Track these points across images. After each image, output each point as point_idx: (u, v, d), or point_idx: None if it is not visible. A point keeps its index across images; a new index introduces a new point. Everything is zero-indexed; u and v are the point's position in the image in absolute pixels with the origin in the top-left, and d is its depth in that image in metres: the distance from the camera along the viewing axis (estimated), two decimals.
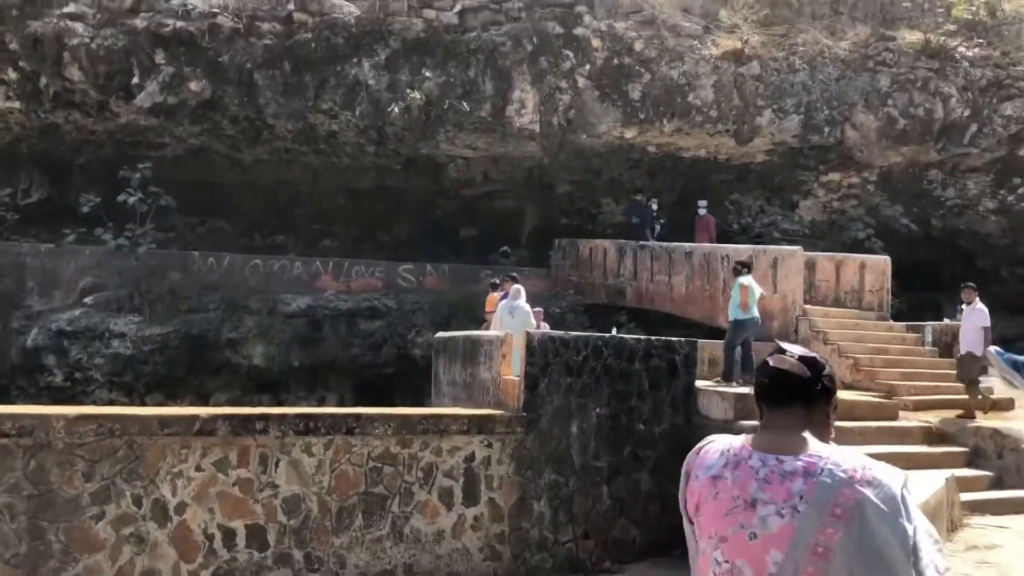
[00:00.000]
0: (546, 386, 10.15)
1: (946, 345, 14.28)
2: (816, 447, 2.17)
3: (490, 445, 9.84)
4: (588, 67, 18.35)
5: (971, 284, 11.98)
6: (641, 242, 17.49)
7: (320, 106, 18.21)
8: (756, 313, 11.98)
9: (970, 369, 11.36)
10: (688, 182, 20.38)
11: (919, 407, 11.37)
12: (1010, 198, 19.64)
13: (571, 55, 18.27)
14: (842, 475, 2.08)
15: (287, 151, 21.04)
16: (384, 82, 17.59)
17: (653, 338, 11.00)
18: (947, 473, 8.55)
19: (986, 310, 11.56)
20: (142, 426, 8.35)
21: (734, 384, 11.57)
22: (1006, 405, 12.11)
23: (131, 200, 16.96)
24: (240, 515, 8.67)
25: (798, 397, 2.23)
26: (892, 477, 2.11)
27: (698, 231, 18.13)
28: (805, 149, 19.46)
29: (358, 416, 9.32)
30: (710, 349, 12.81)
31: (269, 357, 17.36)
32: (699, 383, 10.83)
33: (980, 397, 11.20)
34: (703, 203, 18.57)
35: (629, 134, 18.77)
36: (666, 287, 16.40)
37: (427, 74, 17.47)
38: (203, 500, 8.56)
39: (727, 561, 2.16)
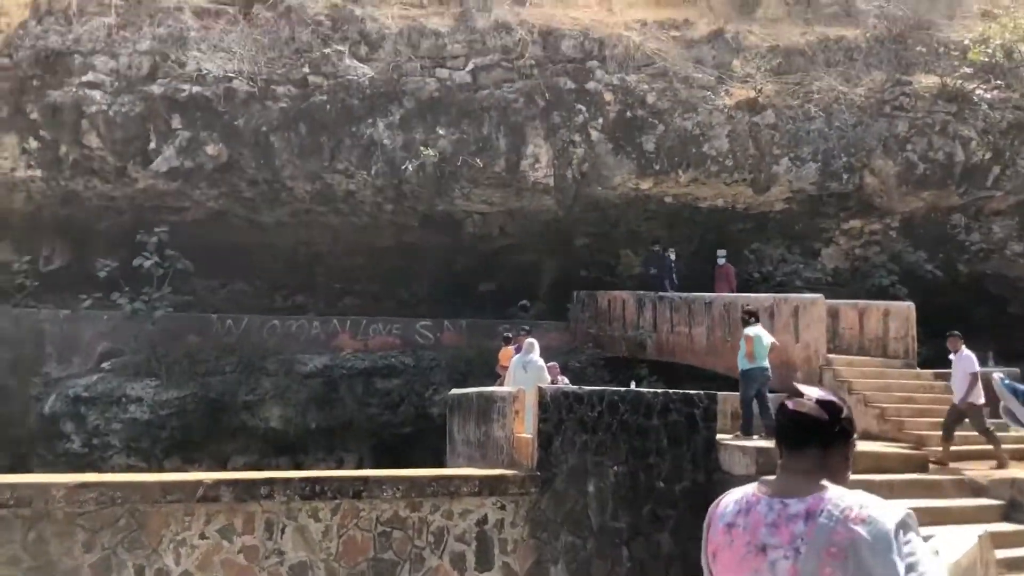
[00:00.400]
0: (560, 444, 9.88)
1: None
2: (821, 488, 2.23)
3: (503, 507, 9.57)
4: (601, 120, 18.32)
5: (955, 332, 11.77)
6: (660, 293, 17.25)
7: (336, 166, 18.29)
8: (766, 363, 11.71)
9: (978, 418, 10.98)
10: (706, 232, 20.17)
11: (948, 458, 10.92)
12: None
13: (584, 109, 18.27)
14: (839, 515, 2.15)
15: (306, 212, 21.12)
16: (399, 141, 17.65)
17: (671, 391, 10.72)
18: (980, 529, 8.12)
19: (973, 356, 11.33)
20: (144, 493, 8.19)
21: (754, 437, 11.24)
22: None
23: (147, 264, 17.01)
24: None
25: (815, 439, 2.29)
26: (886, 514, 2.16)
27: (718, 281, 17.87)
28: (824, 196, 19.22)
29: (365, 479, 9.10)
30: (731, 401, 12.47)
31: (286, 419, 17.18)
32: (720, 437, 10.49)
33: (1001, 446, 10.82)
34: (722, 252, 18.33)
35: (644, 185, 18.65)
36: (687, 339, 16.10)
37: (441, 132, 17.51)
38: (207, 569, 8.34)
39: None
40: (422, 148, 16.76)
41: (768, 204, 19.55)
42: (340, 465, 18.40)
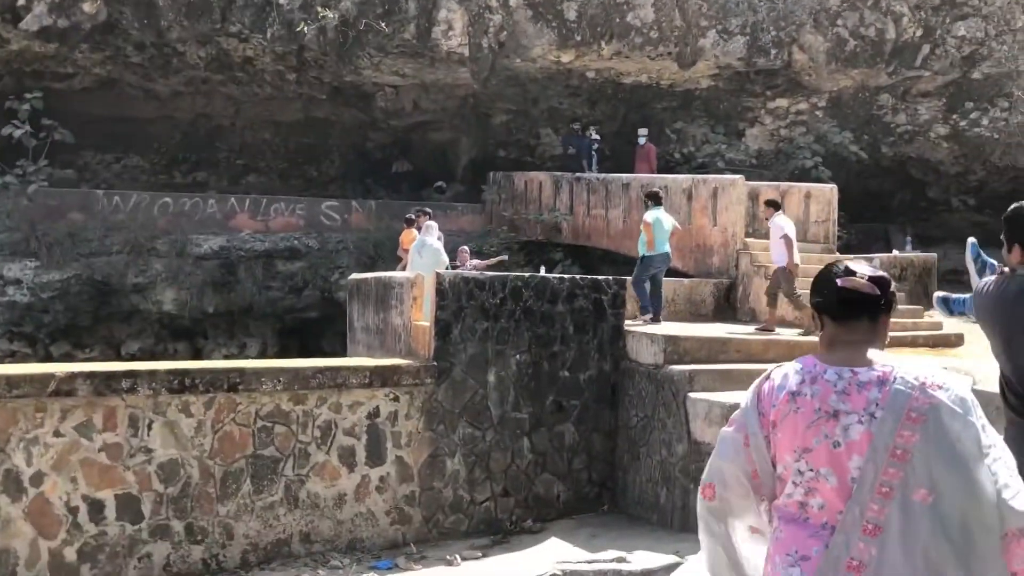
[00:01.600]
0: (459, 332, 9.18)
1: (895, 278, 13.55)
2: (883, 359, 2.30)
3: (396, 399, 8.91)
4: None
5: (771, 200, 11.41)
6: (577, 174, 16.46)
7: (229, 28, 16.74)
8: (666, 248, 11.11)
9: (784, 283, 10.65)
10: (630, 110, 19.32)
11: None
12: (962, 123, 18.89)
13: None
14: (915, 381, 2.22)
15: (204, 81, 19.57)
16: (297, 1, 16.10)
17: (577, 277, 10.08)
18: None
19: (781, 222, 10.89)
20: None
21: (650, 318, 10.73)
22: (955, 341, 11.44)
23: (17, 133, 15.42)
24: (109, 484, 7.69)
25: (866, 312, 2.36)
26: (959, 382, 2.28)
27: (638, 161, 17.14)
28: (751, 74, 18.44)
29: (242, 371, 8.30)
30: None
31: (181, 303, 16.18)
32: (628, 324, 9.92)
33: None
34: (643, 131, 17.55)
35: (565, 58, 17.56)
36: (603, 222, 15.43)
37: None
38: (64, 469, 7.54)
39: (812, 470, 2.25)
40: (319, 9, 15.27)
41: (693, 81, 18.70)
42: (243, 350, 17.59)
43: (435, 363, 9.04)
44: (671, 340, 9.17)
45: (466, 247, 13.58)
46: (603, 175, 16.11)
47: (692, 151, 17.81)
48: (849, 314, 2.35)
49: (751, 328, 11.24)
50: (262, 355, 17.34)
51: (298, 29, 15.67)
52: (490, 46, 17.08)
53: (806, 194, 13.68)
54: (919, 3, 18.08)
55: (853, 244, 18.19)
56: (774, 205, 11.20)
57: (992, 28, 18.18)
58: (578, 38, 17.16)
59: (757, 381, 2.47)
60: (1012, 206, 3.54)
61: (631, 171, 16.69)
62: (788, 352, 9.62)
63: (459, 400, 9.15)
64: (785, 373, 2.38)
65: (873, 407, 2.21)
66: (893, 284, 2.42)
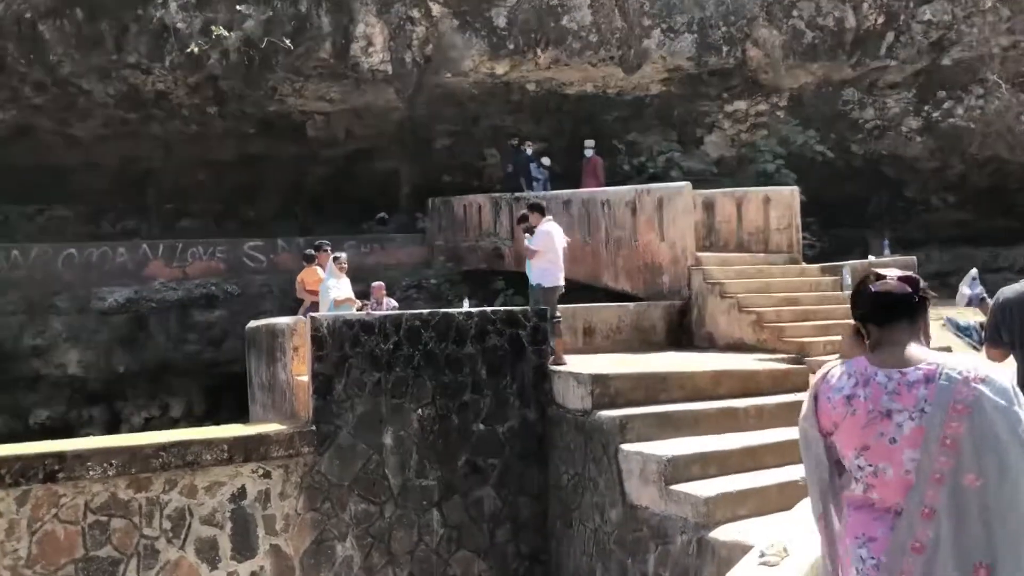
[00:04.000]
0: (344, 387, 7.63)
1: None
2: (928, 356, 2.46)
3: (267, 475, 7.32)
4: None
5: (531, 205, 9.68)
6: (516, 194, 14.95)
7: (126, 59, 15.24)
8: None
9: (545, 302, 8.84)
10: (578, 124, 17.83)
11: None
12: (935, 114, 17.46)
13: None
14: (958, 376, 2.36)
15: (123, 122, 18.09)
16: (196, 24, 14.61)
17: (489, 309, 8.55)
18: None
19: (547, 229, 9.18)
20: None
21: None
22: None
23: None
24: None
25: (905, 312, 2.52)
26: (1001, 374, 2.43)
27: (585, 176, 15.65)
28: (704, 75, 17.01)
29: (61, 455, 6.70)
30: (584, 316, 10.37)
31: (87, 364, 14.56)
32: (556, 367, 8.35)
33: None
34: (590, 143, 16.09)
35: (500, 69, 16.11)
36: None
37: (245, 10, 14.50)
38: None
39: (870, 465, 2.43)
40: (213, 28, 13.77)
41: (643, 87, 17.26)
42: (165, 411, 15.93)
43: (314, 427, 7.47)
44: (599, 380, 7.60)
45: (381, 283, 12.01)
46: (542, 193, 14.61)
47: (643, 161, 16.31)
48: (889, 317, 2.51)
49: (710, 355, 9.70)
50: (188, 415, 15.71)
51: (189, 50, 14.14)
52: (415, 61, 15.63)
53: (764, 199, 12.16)
54: None
55: (829, 252, 16.70)
56: (539, 210, 9.45)
57: (959, 10, 16.80)
58: (511, 46, 15.72)
59: (814, 382, 2.63)
60: None
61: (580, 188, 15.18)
62: (741, 384, 8.08)
63: (348, 470, 7.56)
64: (840, 373, 2.54)
65: (923, 403, 2.37)
66: (923, 283, 2.58)
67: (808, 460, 2.63)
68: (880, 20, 16.70)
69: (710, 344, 10.55)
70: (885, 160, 18.44)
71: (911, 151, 18.02)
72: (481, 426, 8.01)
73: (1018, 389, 2.37)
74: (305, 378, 7.76)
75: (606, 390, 7.55)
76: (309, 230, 19.47)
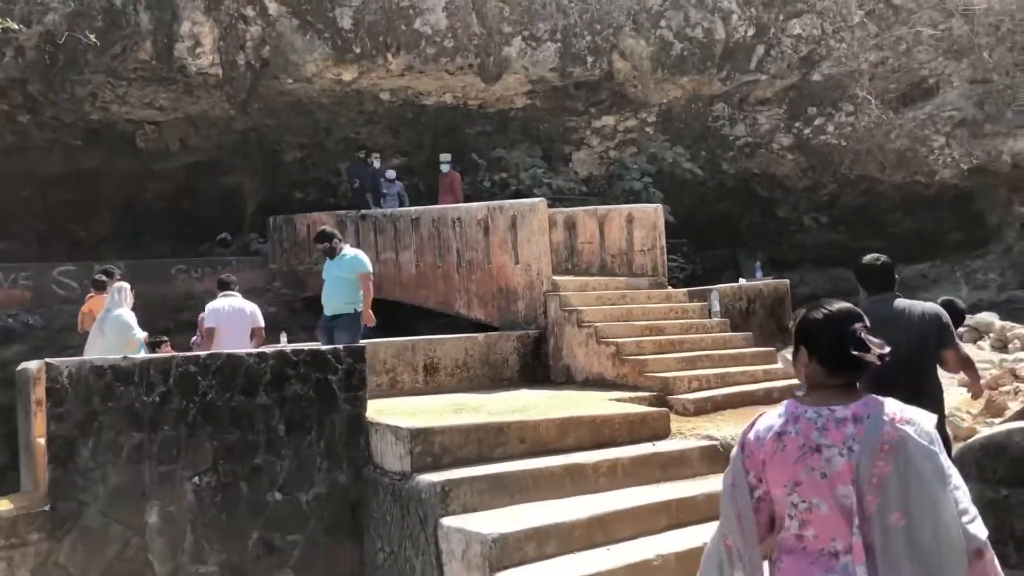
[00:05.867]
0: (92, 453, 6.01)
1: (742, 312, 11.11)
2: (858, 395, 2.47)
3: None
4: None
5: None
6: (363, 211, 13.51)
7: None
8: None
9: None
10: (438, 137, 16.57)
11: (701, 410, 7.89)
12: (806, 131, 16.92)
13: None
14: (885, 418, 2.40)
15: None
16: None
17: (290, 349, 7.05)
18: None
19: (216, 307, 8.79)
20: None
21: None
22: None
23: None
24: None
25: (857, 367, 2.48)
26: (924, 416, 2.44)
27: (442, 193, 14.35)
28: (570, 88, 16.01)
29: None
30: (426, 349, 9.00)
31: None
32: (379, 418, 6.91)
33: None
34: (446, 157, 14.80)
35: (347, 75, 14.67)
36: (394, 267, 12.46)
37: (47, 1, 12.62)
38: None
39: (804, 501, 2.40)
40: (2, 21, 11.86)
41: (507, 100, 16.14)
42: None
43: (49, 506, 5.82)
44: (421, 436, 6.22)
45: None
46: (391, 210, 13.21)
47: (505, 178, 15.13)
48: (840, 365, 2.48)
49: (565, 392, 8.48)
50: None
51: None
52: (248, 63, 14.03)
53: (628, 217, 11.10)
54: None
55: (699, 275, 15.90)
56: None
57: (828, 24, 16.35)
58: (357, 50, 14.29)
59: (741, 433, 2.62)
60: None
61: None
62: (592, 434, 6.85)
63: (97, 559, 5.94)
64: (769, 418, 2.54)
65: (851, 441, 2.39)
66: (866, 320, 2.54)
67: (729, 503, 2.55)
68: (750, 33, 16.07)
69: (567, 379, 9.35)
70: (756, 178, 17.84)
71: (782, 169, 17.47)
72: (278, 495, 6.51)
73: (937, 434, 2.42)
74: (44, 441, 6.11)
75: (429, 447, 6.17)
76: (148, 250, 17.62)
